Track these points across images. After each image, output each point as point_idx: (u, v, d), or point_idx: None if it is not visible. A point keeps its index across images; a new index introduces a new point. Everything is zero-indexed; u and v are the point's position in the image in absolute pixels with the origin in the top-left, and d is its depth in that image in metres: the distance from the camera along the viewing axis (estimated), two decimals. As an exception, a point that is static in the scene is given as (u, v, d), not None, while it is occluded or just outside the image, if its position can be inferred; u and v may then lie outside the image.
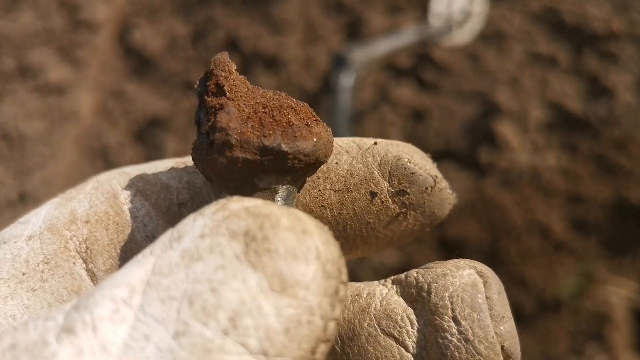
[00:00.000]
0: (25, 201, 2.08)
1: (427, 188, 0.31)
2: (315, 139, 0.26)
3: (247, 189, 0.26)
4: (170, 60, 2.48)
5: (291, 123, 0.26)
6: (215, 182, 0.27)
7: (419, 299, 0.28)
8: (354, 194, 0.31)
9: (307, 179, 0.31)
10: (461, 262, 0.30)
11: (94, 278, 0.28)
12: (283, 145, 0.25)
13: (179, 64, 2.43)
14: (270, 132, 0.25)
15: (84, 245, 0.28)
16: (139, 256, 0.21)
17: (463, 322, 0.27)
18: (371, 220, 0.32)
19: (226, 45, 2.36)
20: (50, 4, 2.66)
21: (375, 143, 0.32)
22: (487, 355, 0.27)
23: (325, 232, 0.21)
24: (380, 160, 0.31)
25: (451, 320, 0.27)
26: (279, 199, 0.27)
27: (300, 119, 0.27)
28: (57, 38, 2.56)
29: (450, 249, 1.63)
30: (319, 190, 0.31)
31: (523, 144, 1.74)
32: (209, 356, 0.18)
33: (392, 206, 0.31)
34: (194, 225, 0.21)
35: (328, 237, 0.21)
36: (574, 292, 1.51)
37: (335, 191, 0.31)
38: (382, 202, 0.31)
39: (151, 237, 0.29)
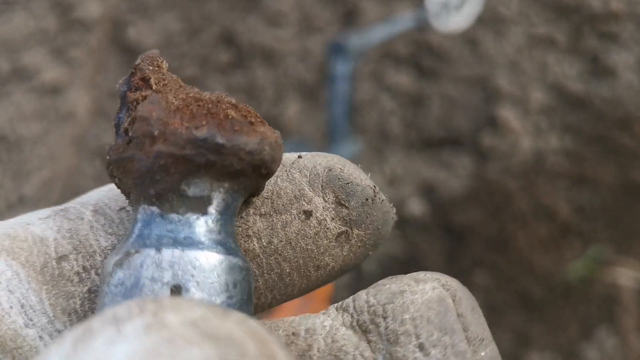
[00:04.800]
0: (24, 204, 2.08)
1: (367, 199, 0.26)
2: (259, 137, 0.21)
3: (173, 198, 0.21)
4: (165, 57, 2.46)
5: (230, 117, 0.21)
6: (134, 192, 0.22)
7: (372, 327, 0.23)
8: (284, 217, 0.26)
9: (253, 199, 0.26)
10: (421, 274, 0.24)
11: None
12: (219, 138, 0.20)
13: (175, 60, 2.41)
14: (204, 123, 0.21)
15: None
16: None
17: (433, 351, 0.21)
18: (309, 247, 0.26)
19: (222, 40, 2.35)
20: (43, 4, 2.64)
21: (300, 157, 0.27)
22: None
23: None
24: (310, 174, 0.27)
25: (417, 350, 0.21)
26: (213, 211, 0.22)
27: (242, 115, 0.22)
28: (51, 38, 2.55)
29: (456, 236, 1.61)
30: (241, 217, 0.26)
31: (525, 127, 1.72)
32: None
33: (331, 225, 0.26)
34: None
35: None
36: (583, 275, 1.49)
37: (261, 216, 0.26)
38: (319, 221, 0.26)
39: (18, 306, 0.23)
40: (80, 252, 0.24)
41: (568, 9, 1.90)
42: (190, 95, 0.22)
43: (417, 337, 0.22)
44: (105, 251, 0.24)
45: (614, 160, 1.61)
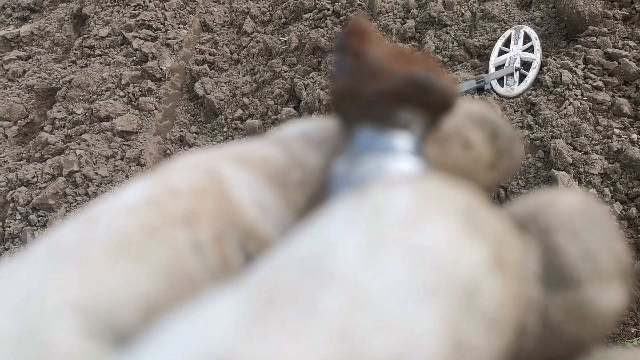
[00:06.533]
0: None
1: (512, 135, 0.31)
2: (452, 87, 0.28)
3: (388, 123, 0.25)
4: (231, 107, 2.56)
5: (434, 69, 0.28)
6: (355, 118, 0.26)
7: (523, 229, 0.23)
8: (452, 144, 0.30)
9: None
10: (560, 189, 0.26)
11: (198, 248, 0.25)
12: (429, 78, 0.25)
13: (239, 110, 2.50)
14: (417, 67, 0.26)
15: (187, 216, 0.26)
16: None
17: (587, 235, 0.21)
18: (471, 171, 0.31)
19: (286, 94, 2.43)
20: (120, 55, 2.80)
21: None
22: (616, 273, 0.22)
23: None
24: (467, 113, 0.32)
25: (573, 236, 0.21)
26: (416, 132, 0.28)
27: (440, 72, 0.29)
28: (125, 87, 2.69)
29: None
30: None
31: (587, 193, 1.69)
32: None
33: (487, 153, 0.30)
34: None
35: None
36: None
37: (436, 142, 0.31)
38: (478, 149, 0.30)
39: (258, 204, 0.27)
40: (302, 168, 0.28)
41: (632, 76, 1.89)
42: (401, 50, 0.28)
43: (573, 225, 0.23)
44: (321, 168, 0.28)
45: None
